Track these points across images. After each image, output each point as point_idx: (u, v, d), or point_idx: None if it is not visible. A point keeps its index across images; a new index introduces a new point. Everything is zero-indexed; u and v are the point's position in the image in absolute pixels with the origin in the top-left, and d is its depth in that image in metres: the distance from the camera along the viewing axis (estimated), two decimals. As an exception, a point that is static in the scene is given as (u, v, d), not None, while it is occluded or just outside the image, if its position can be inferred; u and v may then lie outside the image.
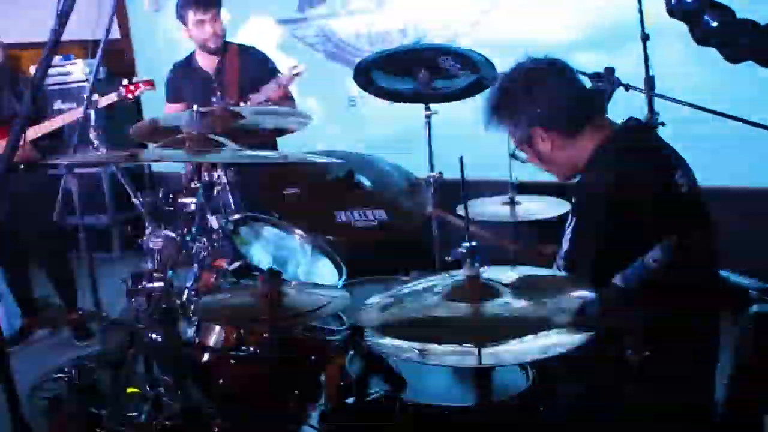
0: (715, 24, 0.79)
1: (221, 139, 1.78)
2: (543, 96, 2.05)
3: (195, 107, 1.84)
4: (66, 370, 1.85)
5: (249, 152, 1.79)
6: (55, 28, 1.64)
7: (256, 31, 5.63)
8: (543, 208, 3.07)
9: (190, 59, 4.10)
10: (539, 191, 3.14)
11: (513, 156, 2.68)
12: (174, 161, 1.63)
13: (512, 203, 3.10)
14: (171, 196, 2.19)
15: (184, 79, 4.08)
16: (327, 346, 2.12)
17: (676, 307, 1.73)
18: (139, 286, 1.59)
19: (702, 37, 0.79)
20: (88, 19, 2.81)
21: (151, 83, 4.02)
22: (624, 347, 1.45)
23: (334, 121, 5.43)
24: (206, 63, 4.00)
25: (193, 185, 2.22)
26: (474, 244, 1.68)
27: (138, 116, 6.13)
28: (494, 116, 2.14)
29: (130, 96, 3.95)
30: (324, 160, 1.97)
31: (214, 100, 3.64)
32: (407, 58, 3.32)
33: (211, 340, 2.05)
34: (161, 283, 1.58)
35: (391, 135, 5.00)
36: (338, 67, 5.36)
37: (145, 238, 2.25)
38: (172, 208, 2.20)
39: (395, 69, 3.27)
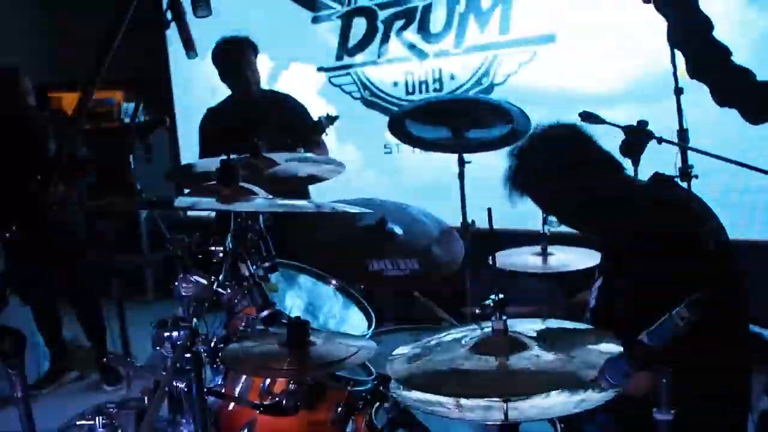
0: (736, 86, 0.80)
1: (252, 187, 1.80)
2: (561, 166, 2.03)
3: (226, 155, 1.86)
4: (89, 417, 1.84)
5: (279, 201, 1.80)
6: (95, 71, 1.68)
7: (297, 78, 5.73)
8: (574, 259, 3.05)
9: (226, 105, 4.15)
10: (571, 242, 3.12)
11: (545, 222, 2.70)
12: (204, 210, 1.65)
13: (544, 254, 3.09)
14: (203, 241, 2.21)
15: (220, 125, 4.12)
16: (354, 397, 2.10)
17: (705, 364, 1.70)
18: (165, 334, 1.60)
19: (722, 98, 0.79)
20: (130, 61, 2.87)
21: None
22: (652, 405, 1.42)
23: (370, 168, 5.47)
24: (242, 109, 4.05)
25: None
26: (502, 296, 1.66)
27: (176, 160, 6.26)
28: (515, 190, 2.13)
29: None
30: (354, 209, 1.98)
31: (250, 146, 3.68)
32: (442, 108, 3.34)
33: (238, 389, 2.06)
34: (186, 331, 1.59)
35: (426, 183, 5.01)
36: (375, 115, 5.41)
37: (176, 282, 2.27)
38: (203, 254, 2.21)
39: (430, 119, 3.29)
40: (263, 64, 4.28)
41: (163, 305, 5.47)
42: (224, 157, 2.05)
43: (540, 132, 2.12)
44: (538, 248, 3.11)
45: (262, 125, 3.93)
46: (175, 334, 1.60)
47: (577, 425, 1.98)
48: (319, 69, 5.70)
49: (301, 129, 3.82)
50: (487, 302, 1.68)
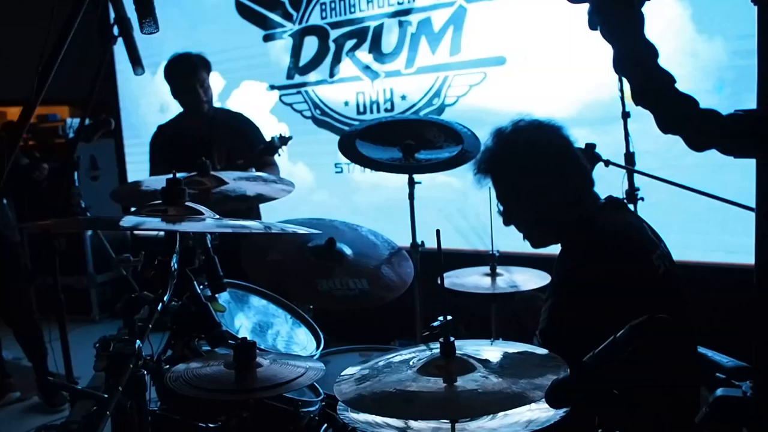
0: (679, 113, 0.81)
1: (199, 207, 1.78)
2: (549, 160, 2.03)
3: (173, 174, 1.83)
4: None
5: (227, 221, 1.78)
6: (37, 85, 1.65)
7: (248, 96, 5.71)
8: (524, 279, 3.07)
9: (177, 122, 4.12)
10: (520, 263, 3.15)
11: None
12: (149, 230, 1.62)
13: (493, 274, 3.11)
14: (147, 261, 2.17)
15: (170, 142, 4.08)
16: (301, 418, 2.08)
17: (649, 385, 1.72)
18: (106, 354, 1.56)
19: (666, 126, 0.81)
20: (75, 78, 2.83)
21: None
22: (596, 426, 1.43)
23: (321, 187, 5.46)
24: (193, 127, 4.02)
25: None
26: (450, 318, 1.66)
27: (122, 177, 6.17)
28: (482, 171, 2.10)
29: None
30: (303, 230, 1.96)
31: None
32: (392, 128, 3.35)
33: (186, 410, 2.02)
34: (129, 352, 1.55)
35: (376, 203, 5.03)
36: (326, 134, 5.42)
37: (121, 302, 2.22)
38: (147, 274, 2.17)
39: (380, 139, 3.29)
40: (215, 82, 4.25)
41: (107, 325, 5.38)
42: (170, 175, 2.03)
43: (528, 120, 2.10)
44: (486, 269, 3.13)
45: (213, 143, 3.91)
46: (119, 351, 1.56)
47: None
48: (271, 87, 5.68)
49: (252, 149, 3.81)
50: (435, 324, 1.68)
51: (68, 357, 3.24)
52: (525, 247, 2.26)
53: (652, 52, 0.87)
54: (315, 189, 5.44)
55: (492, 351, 1.74)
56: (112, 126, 3.80)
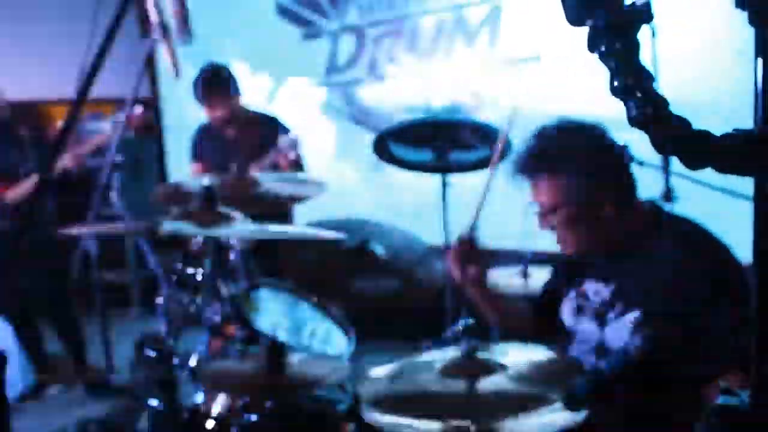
0: (674, 134, 0.84)
1: (230, 211, 1.84)
2: (607, 160, 1.97)
3: (206, 181, 1.90)
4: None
5: (252, 226, 1.85)
6: (82, 85, 1.68)
7: (294, 96, 5.77)
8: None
9: (212, 123, 4.22)
10: (553, 263, 3.15)
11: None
12: (185, 234, 1.69)
13: (525, 275, 3.12)
14: (185, 260, 2.25)
15: (206, 142, 4.23)
16: (330, 416, 2.14)
17: (659, 391, 1.74)
18: (143, 353, 1.63)
19: (660, 147, 0.83)
20: (121, 78, 2.91)
21: (144, 112, 4.12)
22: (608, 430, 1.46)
23: (359, 186, 5.50)
24: (226, 129, 4.14)
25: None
26: (471, 320, 1.70)
27: (163, 177, 6.30)
28: (545, 170, 2.00)
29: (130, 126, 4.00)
30: (326, 234, 2.01)
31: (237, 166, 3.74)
32: (425, 129, 3.39)
33: (217, 407, 2.09)
34: (163, 351, 1.62)
35: (413, 202, 5.05)
36: (365, 133, 5.46)
37: (158, 301, 2.31)
38: (185, 273, 2.25)
39: (413, 139, 3.34)
40: (262, 83, 4.33)
41: (147, 321, 5.51)
42: (207, 180, 2.11)
43: (575, 121, 2.06)
44: (519, 269, 3.15)
45: (243, 145, 4.01)
46: (152, 353, 1.63)
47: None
48: (311, 86, 5.74)
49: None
50: (458, 326, 1.72)
51: (109, 350, 3.34)
52: (557, 246, 2.24)
53: (646, 77, 0.90)
54: (353, 188, 5.48)
55: (515, 353, 1.78)
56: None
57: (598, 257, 2.07)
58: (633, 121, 0.91)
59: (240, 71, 5.80)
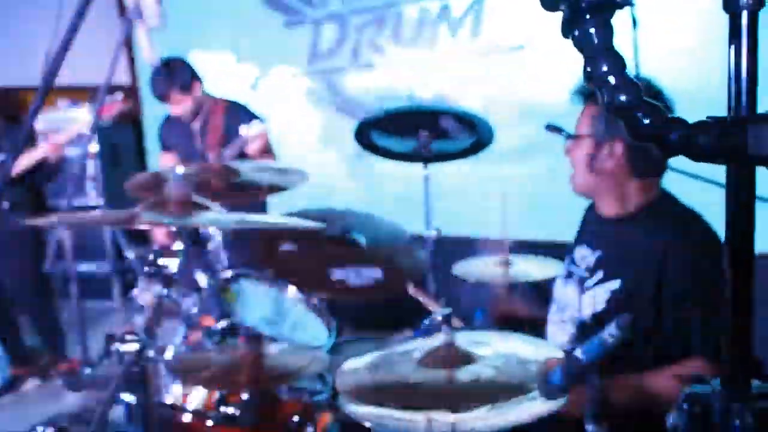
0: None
1: (205, 201, 1.82)
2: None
3: (179, 170, 1.87)
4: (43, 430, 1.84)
5: (231, 216, 1.82)
6: (48, 70, 1.64)
7: (278, 84, 5.74)
8: (537, 268, 3.07)
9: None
10: (533, 251, 3.15)
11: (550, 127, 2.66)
12: (157, 225, 1.66)
13: (506, 263, 3.11)
14: (160, 251, 2.22)
15: (172, 133, 4.21)
16: (310, 407, 2.12)
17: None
18: (113, 347, 1.61)
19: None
20: (102, 65, 2.86)
21: (123, 100, 4.07)
22: (585, 420, 1.46)
23: (341, 174, 5.49)
24: (191, 119, 4.11)
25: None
26: (450, 310, 1.69)
27: (142, 165, 6.25)
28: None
29: (105, 116, 3.98)
30: (307, 224, 1.99)
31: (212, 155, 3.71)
32: (407, 118, 3.37)
33: (194, 400, 2.07)
34: (135, 345, 1.60)
35: (395, 191, 5.04)
36: (347, 121, 5.43)
37: (134, 293, 2.28)
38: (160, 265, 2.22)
39: (395, 129, 3.31)
40: (246, 72, 4.28)
41: (127, 314, 5.48)
42: (182, 169, 2.07)
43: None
44: (500, 257, 3.13)
45: (209, 133, 3.98)
46: (125, 347, 1.61)
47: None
48: (295, 74, 5.71)
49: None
50: (436, 315, 1.71)
51: (85, 342, 3.31)
52: (538, 235, 2.26)
53: (620, 63, 0.89)
54: (337, 176, 5.47)
55: (495, 342, 1.77)
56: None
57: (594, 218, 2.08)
58: (607, 108, 0.90)
59: (225, 61, 5.78)
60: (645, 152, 1.95)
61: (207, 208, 1.76)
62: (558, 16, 0.93)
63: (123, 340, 1.58)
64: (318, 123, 5.61)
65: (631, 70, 0.91)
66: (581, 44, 0.91)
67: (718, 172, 0.94)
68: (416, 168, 3.38)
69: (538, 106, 4.39)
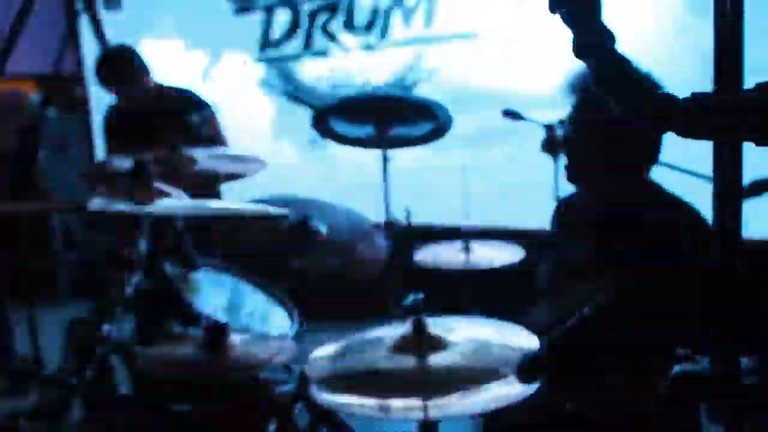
0: (636, 97, 0.83)
1: (167, 188, 1.77)
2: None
3: (144, 155, 1.81)
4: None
5: (194, 203, 1.77)
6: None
7: (229, 72, 5.65)
8: (497, 255, 3.08)
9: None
10: (493, 237, 3.16)
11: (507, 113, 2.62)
12: (116, 213, 1.61)
13: (466, 250, 3.11)
14: (118, 242, 2.16)
15: (120, 120, 4.06)
16: (274, 398, 2.09)
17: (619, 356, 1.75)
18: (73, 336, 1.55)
19: (625, 109, 0.82)
20: (47, 55, 2.77)
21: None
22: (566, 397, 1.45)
23: (295, 163, 5.43)
24: (139, 105, 3.99)
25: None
26: (422, 295, 1.67)
27: (90, 155, 6.11)
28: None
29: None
30: (272, 210, 1.95)
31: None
32: (365, 104, 3.34)
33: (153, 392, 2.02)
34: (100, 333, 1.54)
35: (352, 179, 5.00)
36: (299, 109, 5.37)
37: (92, 284, 2.22)
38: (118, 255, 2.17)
39: (353, 115, 3.29)
40: (197, 59, 4.18)
41: (76, 306, 5.34)
42: (138, 156, 2.01)
43: None
44: (460, 244, 3.14)
45: (159, 121, 3.87)
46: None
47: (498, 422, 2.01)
48: (246, 62, 5.62)
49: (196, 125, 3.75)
50: (407, 301, 1.68)
51: (35, 339, 3.21)
52: (498, 221, 2.25)
53: (609, 37, 0.87)
54: (291, 165, 5.40)
55: (464, 328, 1.76)
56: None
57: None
58: (596, 82, 0.88)
59: (174, 48, 5.65)
60: (647, 141, 1.96)
61: (168, 195, 1.71)
62: (512, 2, 0.91)
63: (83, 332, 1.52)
64: (270, 111, 5.53)
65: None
66: (569, 19, 0.89)
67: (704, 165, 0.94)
68: (371, 155, 3.36)
69: (492, 93, 4.39)
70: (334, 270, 2.80)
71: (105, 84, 3.91)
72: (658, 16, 3.81)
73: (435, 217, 4.42)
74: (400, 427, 1.93)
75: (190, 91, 4.12)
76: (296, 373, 2.20)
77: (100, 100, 6.03)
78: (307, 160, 5.38)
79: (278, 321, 2.69)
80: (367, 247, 2.98)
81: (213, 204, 1.94)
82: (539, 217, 2.60)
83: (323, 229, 2.89)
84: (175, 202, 1.74)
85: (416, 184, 4.46)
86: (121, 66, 3.84)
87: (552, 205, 3.05)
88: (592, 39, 0.86)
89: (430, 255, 3.08)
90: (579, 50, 0.88)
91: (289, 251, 2.79)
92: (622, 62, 0.85)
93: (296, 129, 5.32)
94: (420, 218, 3.87)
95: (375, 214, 3.19)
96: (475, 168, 4.58)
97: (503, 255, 3.04)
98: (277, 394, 2.09)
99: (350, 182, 5.03)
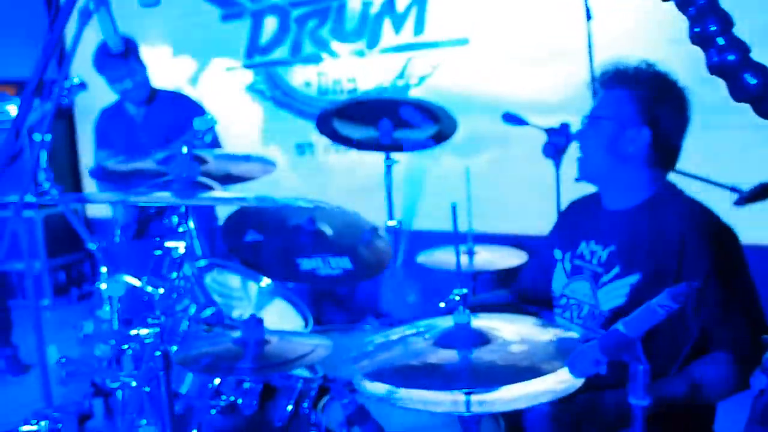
0: (754, 82, 0.84)
1: (210, 182, 1.76)
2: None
3: (185, 149, 1.80)
4: (31, 422, 1.75)
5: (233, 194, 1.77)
6: None
7: (216, 78, 5.61)
8: (500, 258, 3.11)
9: (119, 106, 4.01)
10: (497, 242, 3.19)
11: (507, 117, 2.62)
12: (163, 204, 1.59)
13: (470, 253, 3.14)
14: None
15: (112, 126, 3.99)
16: (305, 394, 2.08)
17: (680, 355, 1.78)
18: (130, 332, 1.53)
19: (740, 94, 0.83)
20: (30, 60, 2.73)
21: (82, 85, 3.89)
22: (627, 395, 1.46)
23: (284, 169, 5.41)
24: (134, 110, 3.95)
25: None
26: (465, 291, 1.69)
27: (74, 157, 6.04)
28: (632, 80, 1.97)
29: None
30: (296, 202, 1.95)
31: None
32: (369, 107, 3.35)
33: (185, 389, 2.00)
34: (147, 331, 1.52)
35: (349, 184, 5.00)
36: (287, 115, 5.37)
37: (100, 283, 2.19)
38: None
39: (357, 117, 3.29)
40: (185, 65, 4.15)
41: (61, 311, 5.30)
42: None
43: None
44: (464, 247, 3.16)
45: (153, 126, 3.83)
46: (142, 332, 1.53)
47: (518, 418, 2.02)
48: (228, 69, 5.60)
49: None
50: (451, 296, 1.69)
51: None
52: (500, 227, 2.27)
53: (728, 22, 0.89)
54: (276, 170, 5.38)
55: (506, 324, 1.77)
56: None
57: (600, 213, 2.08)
58: (713, 69, 0.90)
59: (161, 54, 5.62)
60: (668, 142, 1.97)
61: (210, 188, 1.71)
62: (503, 9, 0.93)
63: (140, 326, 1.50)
64: (258, 117, 5.52)
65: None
66: (686, 7, 0.91)
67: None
68: (363, 160, 3.37)
69: (484, 99, 4.43)
70: (342, 271, 2.79)
71: (107, 71, 3.82)
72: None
73: (437, 222, 4.43)
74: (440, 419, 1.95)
75: (189, 97, 4.08)
76: (320, 373, 2.20)
77: (85, 105, 6.00)
78: (295, 166, 5.38)
79: (290, 321, 2.69)
80: (372, 249, 2.98)
81: (236, 196, 1.93)
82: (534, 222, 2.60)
83: (330, 230, 2.89)
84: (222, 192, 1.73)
85: (416, 188, 4.49)
86: (125, 55, 3.77)
87: (552, 207, 3.11)
88: (711, 26, 0.88)
89: (433, 257, 3.10)
90: (696, 38, 0.90)
91: (296, 252, 2.78)
92: (741, 46, 0.88)
93: (283, 135, 5.33)
94: (421, 224, 3.91)
95: (373, 219, 3.20)
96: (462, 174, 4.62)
97: (505, 258, 3.08)
98: (306, 390, 2.09)
99: (338, 187, 5.04)
